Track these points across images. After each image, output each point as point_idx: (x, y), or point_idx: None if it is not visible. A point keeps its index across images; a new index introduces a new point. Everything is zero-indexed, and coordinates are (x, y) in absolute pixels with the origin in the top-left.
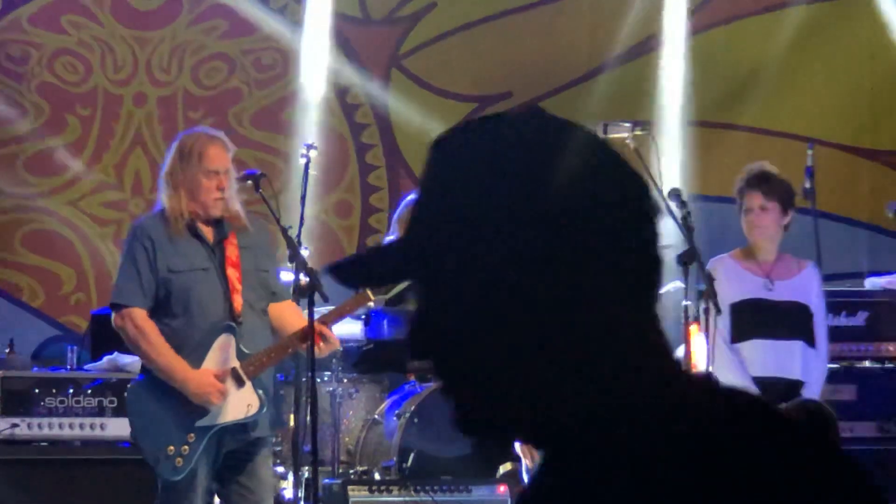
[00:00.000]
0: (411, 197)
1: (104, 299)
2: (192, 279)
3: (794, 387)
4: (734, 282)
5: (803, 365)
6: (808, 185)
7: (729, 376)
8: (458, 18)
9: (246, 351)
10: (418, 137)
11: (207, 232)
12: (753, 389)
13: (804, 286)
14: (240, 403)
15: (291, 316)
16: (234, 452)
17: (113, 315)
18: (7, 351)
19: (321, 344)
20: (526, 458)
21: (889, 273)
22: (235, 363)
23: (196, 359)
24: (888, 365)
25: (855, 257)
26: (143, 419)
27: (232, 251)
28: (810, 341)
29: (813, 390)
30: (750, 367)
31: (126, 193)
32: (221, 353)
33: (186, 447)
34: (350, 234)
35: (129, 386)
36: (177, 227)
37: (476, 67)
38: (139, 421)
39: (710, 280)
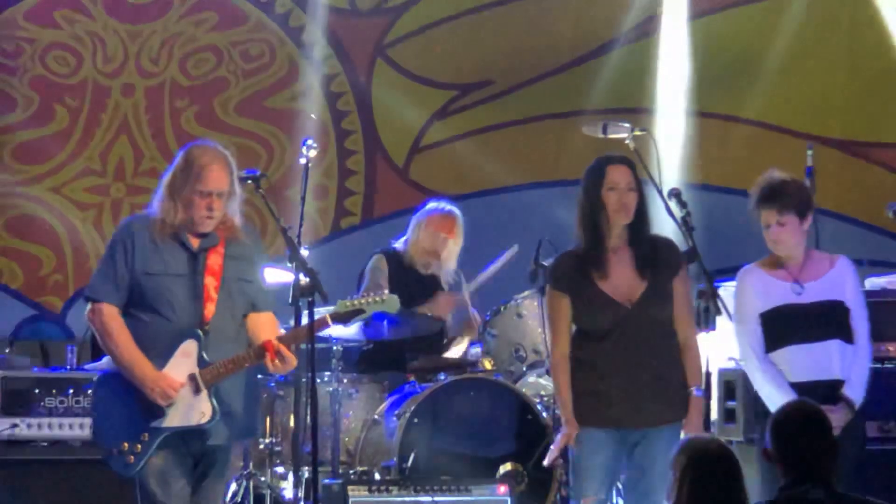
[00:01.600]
0: (437, 206)
1: (82, 280)
2: (164, 283)
3: (834, 387)
4: (762, 292)
5: (842, 363)
6: (807, 184)
7: (765, 388)
8: (444, 9)
9: (207, 359)
10: (398, 124)
11: (193, 240)
12: (792, 395)
13: (837, 282)
14: (193, 410)
15: (264, 328)
16: (199, 457)
17: (86, 307)
18: (7, 351)
19: (277, 362)
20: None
21: (889, 273)
22: (195, 370)
23: (160, 361)
24: (888, 365)
25: (855, 258)
26: (103, 414)
27: (215, 260)
28: (848, 338)
29: (853, 386)
30: (788, 374)
31: (108, 179)
32: (184, 358)
33: (139, 445)
34: (325, 216)
35: (94, 379)
36: (161, 233)
37: (459, 57)
38: (99, 415)
39: (710, 280)
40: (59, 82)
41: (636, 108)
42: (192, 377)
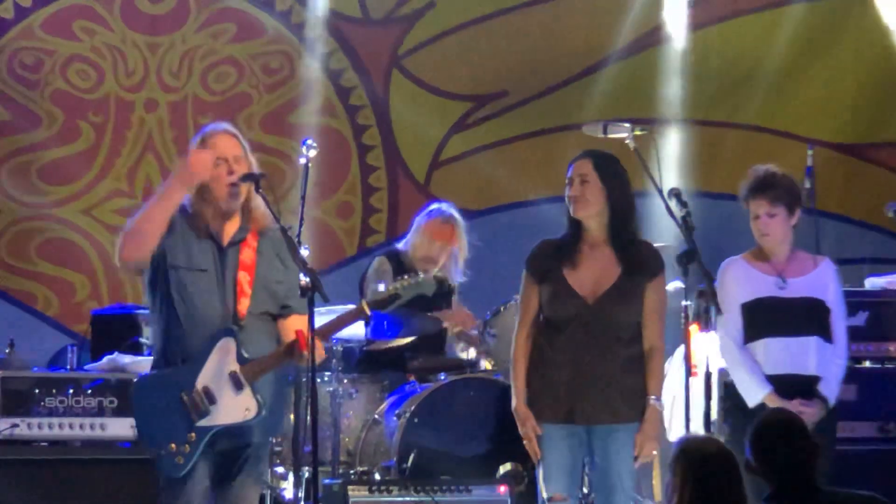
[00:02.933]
0: (436, 209)
1: None
2: (187, 278)
3: (809, 382)
4: (745, 283)
5: (819, 360)
6: (808, 185)
7: (741, 376)
8: (456, 18)
9: (246, 355)
10: (417, 138)
11: (223, 233)
12: (768, 387)
13: (819, 282)
14: (238, 407)
15: (297, 327)
16: (227, 456)
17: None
18: (7, 351)
19: (306, 353)
20: (534, 458)
21: (889, 273)
22: (235, 367)
23: (197, 361)
24: (888, 365)
25: (855, 258)
26: (147, 416)
27: (248, 254)
28: (827, 336)
29: (829, 384)
30: (764, 365)
31: (138, 200)
32: (222, 355)
33: (187, 446)
34: (351, 235)
35: (135, 380)
36: (195, 223)
37: (473, 67)
38: (143, 416)
39: (710, 280)
40: (82, 97)
41: (654, 119)
42: (232, 374)
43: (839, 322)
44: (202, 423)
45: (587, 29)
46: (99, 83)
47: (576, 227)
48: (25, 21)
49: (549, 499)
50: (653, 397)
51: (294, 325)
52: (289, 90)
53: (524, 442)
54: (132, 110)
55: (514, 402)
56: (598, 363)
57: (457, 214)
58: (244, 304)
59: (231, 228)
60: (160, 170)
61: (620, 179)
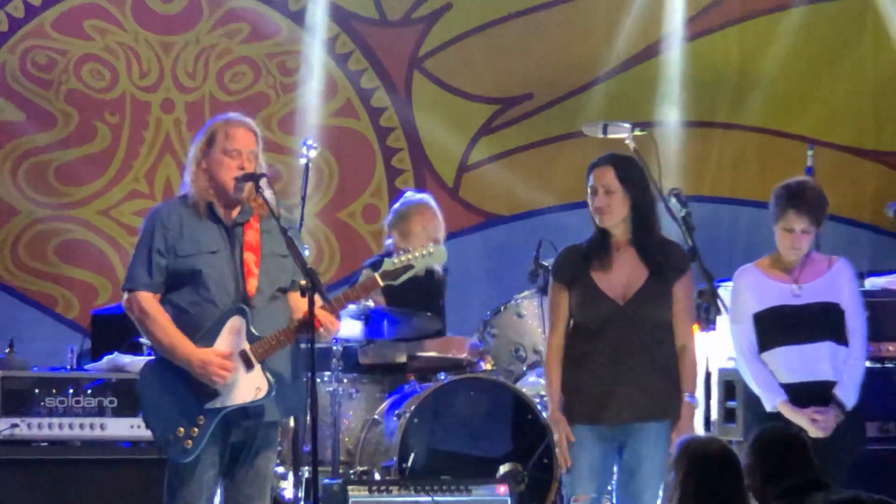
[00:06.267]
0: (408, 199)
1: None
2: (199, 262)
3: (825, 388)
4: (758, 293)
5: (833, 365)
6: None
7: (755, 386)
8: (475, 19)
9: (256, 334)
10: (442, 141)
11: (226, 214)
12: (782, 395)
13: (834, 284)
14: (249, 386)
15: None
16: (241, 446)
17: (123, 300)
18: (7, 351)
19: (321, 329)
20: (563, 465)
21: (889, 273)
22: (246, 346)
23: (207, 341)
24: (888, 365)
25: (855, 258)
26: (154, 401)
27: (252, 235)
28: (841, 340)
29: (846, 388)
30: (779, 375)
31: (157, 201)
32: (232, 335)
33: (196, 429)
34: (379, 238)
35: (141, 367)
36: (198, 207)
37: (496, 68)
38: (150, 402)
39: (710, 280)
40: (97, 97)
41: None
42: (242, 353)
43: (855, 322)
44: (211, 404)
45: (611, 28)
46: (113, 83)
47: (601, 232)
48: (36, 20)
49: (575, 499)
50: (687, 395)
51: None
52: (307, 91)
53: (556, 449)
54: (148, 111)
55: (549, 409)
56: (632, 364)
57: (428, 196)
58: (252, 284)
59: (234, 212)
60: (179, 171)
61: (642, 183)
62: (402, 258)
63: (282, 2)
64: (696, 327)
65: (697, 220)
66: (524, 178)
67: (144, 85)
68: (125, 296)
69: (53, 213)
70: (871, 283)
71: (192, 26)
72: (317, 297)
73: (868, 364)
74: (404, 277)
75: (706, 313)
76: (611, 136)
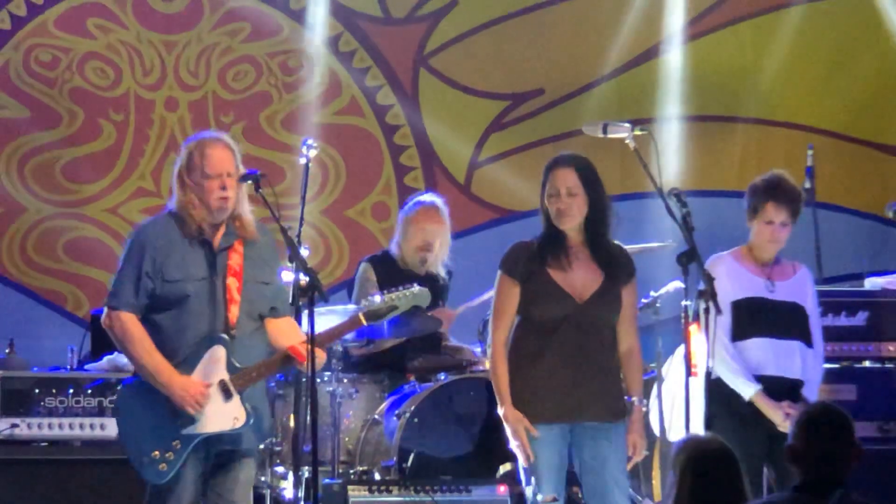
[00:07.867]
0: (419, 200)
1: None
2: (186, 289)
3: (794, 386)
4: (735, 280)
5: (802, 364)
6: (808, 185)
7: (730, 373)
8: (480, 16)
9: (237, 364)
10: (451, 138)
11: (214, 238)
12: (756, 385)
13: (800, 288)
14: (227, 415)
15: (288, 333)
16: (219, 459)
17: (103, 314)
18: (7, 351)
19: (303, 364)
20: (521, 458)
21: (889, 273)
22: (225, 376)
23: (186, 368)
24: (888, 365)
25: (856, 258)
26: (131, 422)
27: (236, 259)
28: (808, 341)
29: (811, 389)
30: (750, 364)
31: (164, 199)
32: (212, 364)
33: (171, 453)
34: (388, 236)
35: (118, 388)
36: (188, 229)
37: (506, 64)
38: (126, 423)
39: (710, 280)
40: (101, 95)
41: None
42: (222, 383)
43: (817, 327)
44: (187, 430)
45: (620, 23)
46: (117, 81)
47: (556, 231)
48: (39, 18)
49: (542, 501)
50: (636, 398)
51: (286, 329)
52: (311, 89)
53: (514, 445)
54: (152, 109)
55: (500, 408)
56: (589, 364)
57: (439, 200)
58: (234, 312)
59: (219, 234)
60: None
61: (600, 185)
62: (387, 298)
63: (283, 1)
64: (696, 327)
65: (698, 216)
66: (536, 174)
67: (148, 83)
68: (106, 311)
69: (61, 210)
70: (871, 283)
71: (194, 25)
72: (303, 334)
73: (868, 364)
74: (388, 317)
75: (706, 314)
76: (611, 135)
